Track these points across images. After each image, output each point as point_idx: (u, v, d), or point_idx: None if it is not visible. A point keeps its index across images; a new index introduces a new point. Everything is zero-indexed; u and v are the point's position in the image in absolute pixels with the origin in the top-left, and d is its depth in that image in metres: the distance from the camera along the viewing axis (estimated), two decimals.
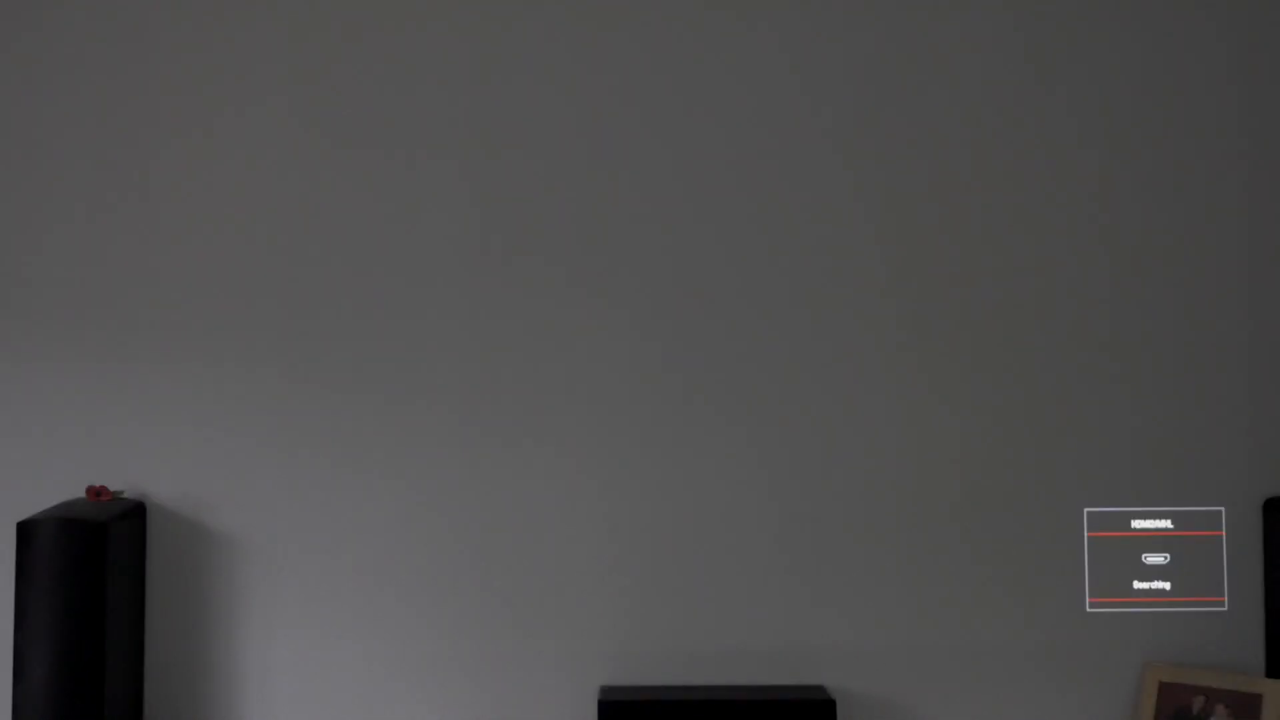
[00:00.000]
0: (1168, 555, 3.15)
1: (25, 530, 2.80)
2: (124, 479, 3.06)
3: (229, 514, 3.09)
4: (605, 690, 3.03)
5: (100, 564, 2.81)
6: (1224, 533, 3.15)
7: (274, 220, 3.11)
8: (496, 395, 3.11)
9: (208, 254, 3.11)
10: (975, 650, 3.12)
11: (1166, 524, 3.15)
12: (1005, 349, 3.14)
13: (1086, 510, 3.15)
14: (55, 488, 3.03)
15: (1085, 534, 3.14)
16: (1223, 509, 3.15)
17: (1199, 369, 3.15)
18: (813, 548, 3.12)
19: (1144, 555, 3.15)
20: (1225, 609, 3.13)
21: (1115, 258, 3.16)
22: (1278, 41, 3.18)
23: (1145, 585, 3.14)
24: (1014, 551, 3.13)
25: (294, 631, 3.08)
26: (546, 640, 3.09)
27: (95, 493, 2.99)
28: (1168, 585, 3.14)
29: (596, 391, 3.12)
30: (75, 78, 3.11)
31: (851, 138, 3.15)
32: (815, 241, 3.14)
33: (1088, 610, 3.13)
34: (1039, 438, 3.14)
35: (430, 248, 3.12)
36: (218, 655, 3.07)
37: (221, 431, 3.09)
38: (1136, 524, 3.15)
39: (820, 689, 3.05)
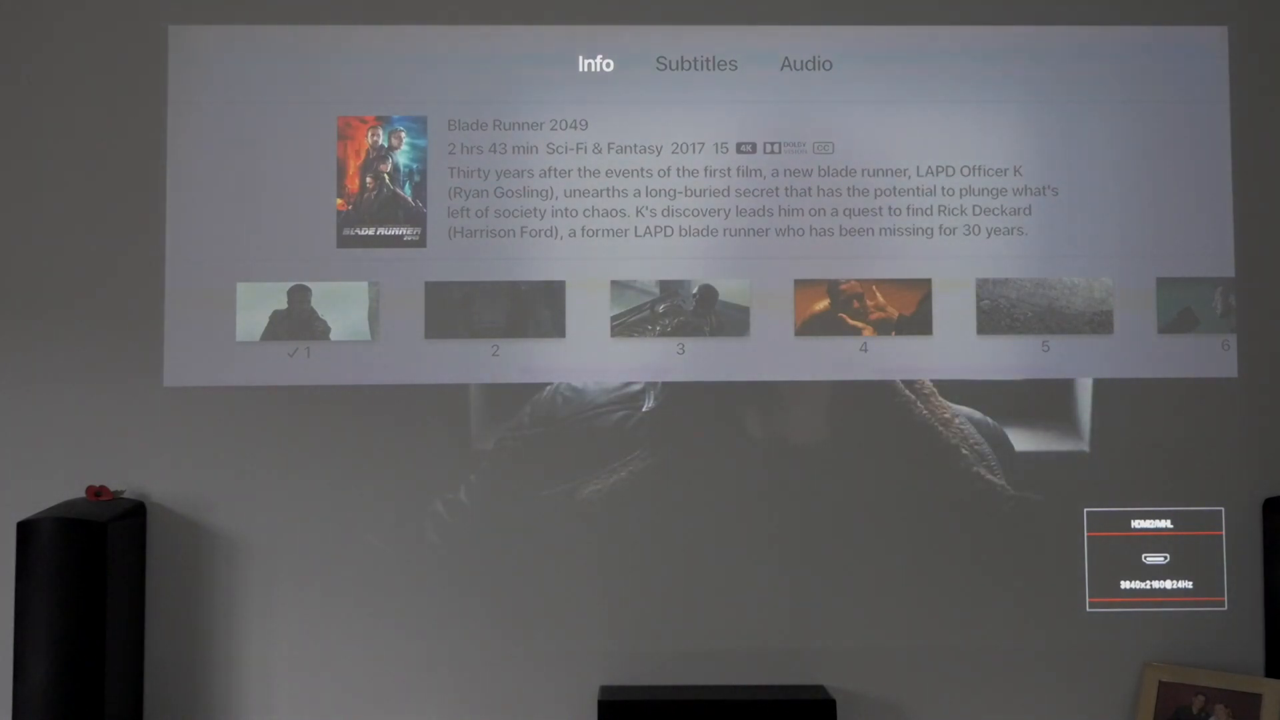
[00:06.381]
0: (1168, 555, 3.15)
1: (25, 530, 2.80)
2: (124, 479, 3.06)
3: (229, 514, 3.08)
4: (605, 690, 3.03)
5: (100, 564, 2.81)
6: (1224, 533, 3.15)
7: (279, 226, 3.12)
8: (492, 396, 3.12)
9: (206, 254, 3.11)
10: (975, 650, 3.12)
11: (1166, 524, 3.15)
12: (1005, 347, 3.15)
13: (1086, 510, 3.15)
14: (55, 488, 3.02)
15: (1085, 534, 3.14)
16: (1223, 509, 3.15)
17: (1199, 368, 3.16)
18: (812, 547, 3.12)
19: (1144, 555, 3.15)
20: (1225, 609, 3.14)
21: (1116, 257, 3.16)
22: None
23: (1145, 585, 3.14)
24: (1014, 551, 3.13)
25: (293, 632, 3.08)
26: (546, 640, 3.09)
27: (95, 493, 2.99)
28: (1168, 585, 3.14)
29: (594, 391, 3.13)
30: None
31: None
32: (814, 226, 3.15)
33: (1088, 610, 3.13)
34: (1039, 437, 3.14)
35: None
36: (218, 655, 3.07)
37: (221, 432, 3.09)
38: (1136, 524, 3.15)
39: (820, 689, 3.05)
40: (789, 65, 3.19)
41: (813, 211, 3.16)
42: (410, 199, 3.15)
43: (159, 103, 3.13)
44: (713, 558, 3.11)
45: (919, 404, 3.13)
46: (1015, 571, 3.13)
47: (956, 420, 3.13)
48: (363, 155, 3.15)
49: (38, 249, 3.10)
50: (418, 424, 3.10)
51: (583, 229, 3.14)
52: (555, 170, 3.15)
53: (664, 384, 3.12)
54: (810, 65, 3.19)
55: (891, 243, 3.16)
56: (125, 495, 3.05)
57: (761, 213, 3.15)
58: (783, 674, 3.09)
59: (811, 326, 3.14)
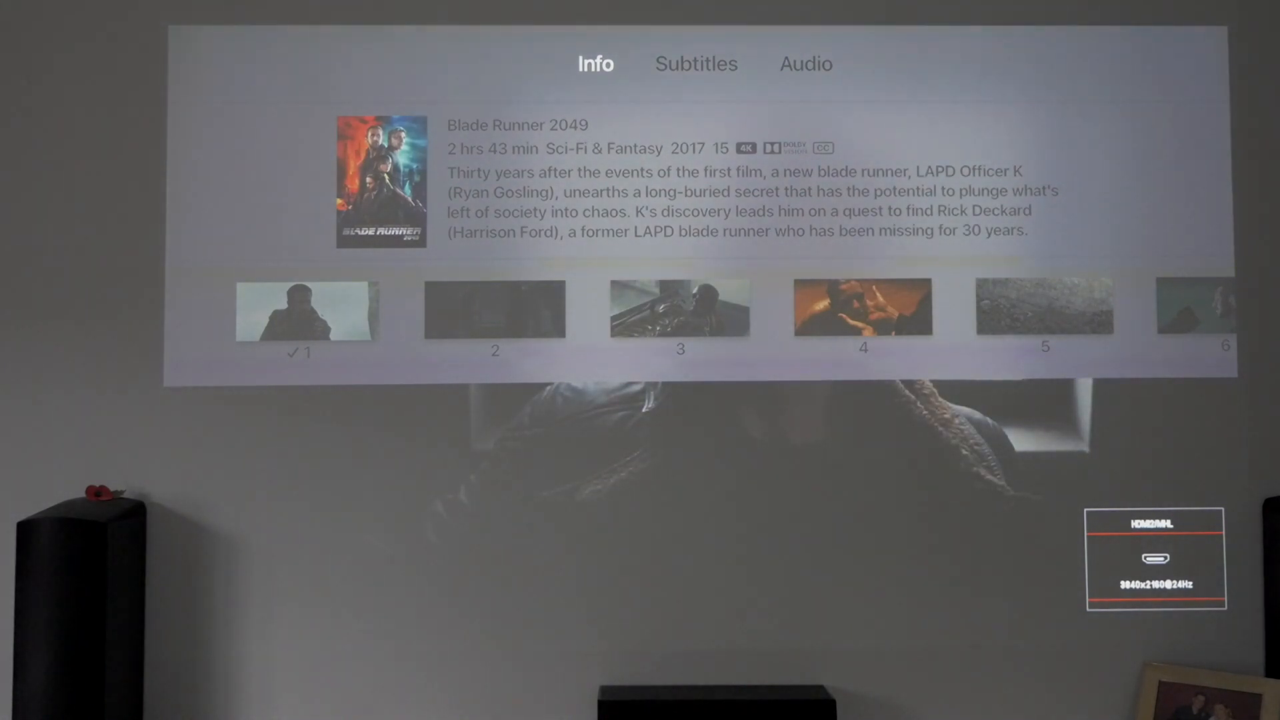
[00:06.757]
0: (1168, 555, 3.15)
1: (25, 530, 2.80)
2: (124, 479, 3.06)
3: (229, 514, 3.09)
4: (605, 690, 3.03)
5: (100, 564, 2.81)
6: (1224, 533, 3.15)
7: (279, 226, 3.12)
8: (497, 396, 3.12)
9: (206, 254, 3.11)
10: (975, 650, 3.12)
11: (1166, 524, 3.15)
12: (1005, 347, 3.15)
13: (1086, 510, 3.15)
14: (55, 488, 3.02)
15: (1085, 534, 3.14)
16: (1223, 509, 3.15)
17: (1199, 369, 3.15)
18: (813, 548, 3.12)
19: (1144, 555, 3.15)
20: (1225, 609, 3.14)
21: (1116, 257, 3.16)
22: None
23: (1145, 585, 3.14)
24: (1014, 551, 3.13)
25: (293, 631, 3.08)
26: (546, 640, 3.09)
27: (95, 493, 2.99)
28: (1168, 585, 3.14)
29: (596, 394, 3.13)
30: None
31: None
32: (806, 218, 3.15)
33: (1087, 610, 3.13)
34: (1038, 437, 3.14)
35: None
36: (218, 655, 3.07)
37: (221, 432, 3.09)
38: (1136, 524, 3.15)
39: (820, 689, 3.05)
40: (789, 65, 3.19)
41: (813, 211, 3.16)
42: (410, 199, 3.15)
43: (159, 103, 3.13)
44: (713, 558, 3.11)
45: (919, 404, 3.13)
46: (1015, 571, 3.13)
47: (956, 420, 3.13)
48: (363, 155, 3.15)
49: (38, 249, 3.10)
50: (418, 424, 3.10)
51: (583, 229, 3.14)
52: (555, 170, 3.15)
53: (664, 384, 3.12)
54: (810, 65, 3.19)
55: (891, 243, 3.16)
56: (125, 495, 3.05)
57: (761, 213, 3.15)
58: (783, 674, 3.09)
59: (811, 326, 3.14)
